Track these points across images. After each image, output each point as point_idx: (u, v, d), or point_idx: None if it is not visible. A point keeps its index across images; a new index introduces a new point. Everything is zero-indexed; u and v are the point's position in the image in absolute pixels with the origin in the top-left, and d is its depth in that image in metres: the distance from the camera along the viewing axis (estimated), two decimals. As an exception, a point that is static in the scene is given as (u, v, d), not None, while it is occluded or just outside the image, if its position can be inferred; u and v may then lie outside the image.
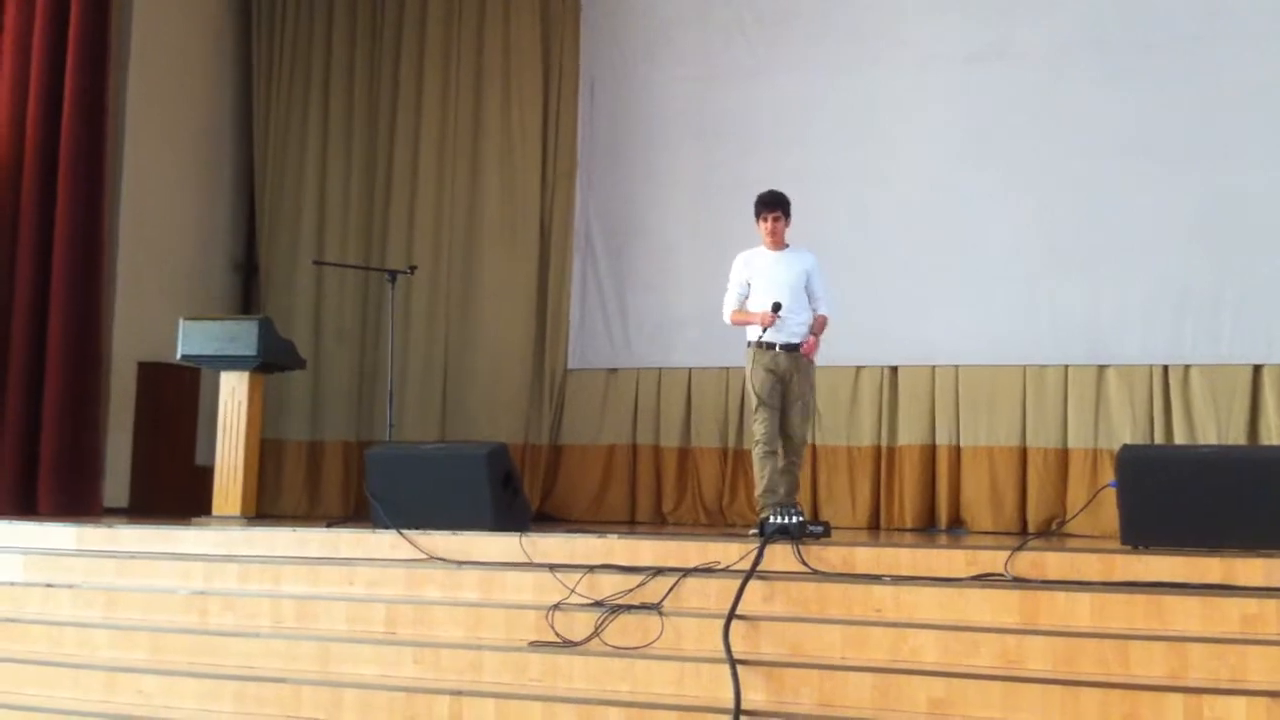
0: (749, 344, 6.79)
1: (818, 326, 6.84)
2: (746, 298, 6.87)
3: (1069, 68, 8.41)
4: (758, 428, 6.73)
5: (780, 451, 6.74)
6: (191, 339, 7.54)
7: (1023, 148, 8.41)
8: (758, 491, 6.73)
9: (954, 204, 8.43)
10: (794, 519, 5.69)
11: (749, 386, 6.84)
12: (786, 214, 6.89)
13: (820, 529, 5.88)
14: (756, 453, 6.73)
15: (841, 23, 8.99)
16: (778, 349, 6.73)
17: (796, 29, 9.10)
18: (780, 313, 6.64)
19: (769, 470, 6.67)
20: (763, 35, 9.18)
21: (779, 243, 6.91)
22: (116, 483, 9.00)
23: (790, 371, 6.75)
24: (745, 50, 9.21)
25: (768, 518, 6.32)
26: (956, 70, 8.63)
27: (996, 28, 8.62)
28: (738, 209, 8.93)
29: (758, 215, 6.90)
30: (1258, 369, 7.87)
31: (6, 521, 7.22)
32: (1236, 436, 7.79)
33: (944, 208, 8.45)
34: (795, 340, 6.75)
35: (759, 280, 6.83)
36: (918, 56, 8.74)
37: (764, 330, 6.65)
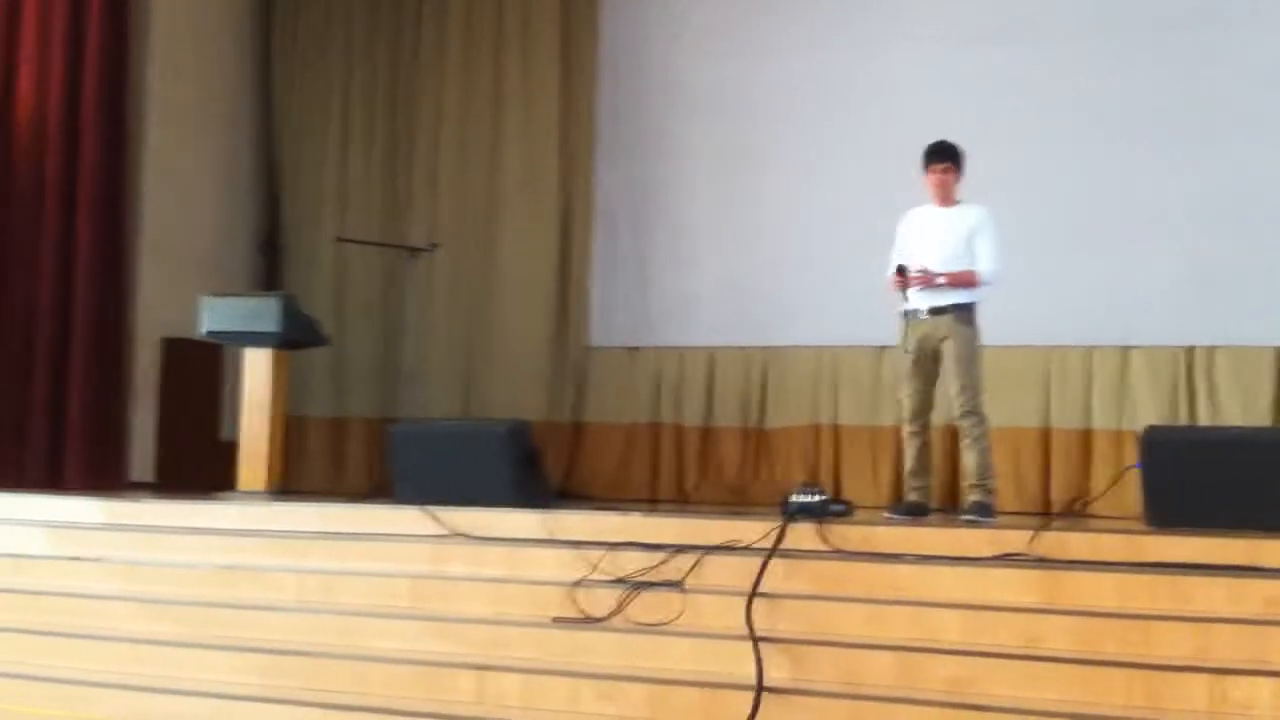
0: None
1: (957, 274, 6.34)
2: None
3: (1096, 45, 8.35)
4: (903, 405, 6.55)
5: (930, 431, 6.52)
6: (215, 315, 7.57)
7: (1043, 127, 8.36)
8: (906, 471, 6.59)
9: (976, 183, 8.37)
10: (816, 497, 5.71)
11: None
12: (958, 166, 6.46)
13: (842, 508, 5.89)
14: (904, 431, 6.57)
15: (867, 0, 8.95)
16: (923, 314, 6.41)
17: (820, 6, 9.07)
18: (912, 274, 6.27)
19: (914, 451, 6.50)
20: (786, 11, 9.13)
21: (946, 198, 6.50)
22: (142, 457, 9.06)
23: (938, 337, 6.39)
24: (768, 27, 9.17)
25: (913, 500, 6.40)
26: (981, 48, 8.57)
27: (1021, 5, 8.56)
28: (760, 186, 9.03)
29: (925, 167, 6.50)
30: (1283, 352, 7.85)
31: (32, 495, 7.26)
32: (1261, 418, 7.75)
33: (969, 187, 8.37)
34: (941, 303, 6.34)
35: (914, 239, 6.49)
36: (941, 34, 8.69)
37: (904, 296, 6.33)
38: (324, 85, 10.25)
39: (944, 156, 6.48)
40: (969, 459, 6.43)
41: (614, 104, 9.62)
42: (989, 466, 6.47)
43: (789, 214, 8.93)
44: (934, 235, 6.46)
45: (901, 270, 6.38)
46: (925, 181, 6.55)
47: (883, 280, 6.52)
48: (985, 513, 6.31)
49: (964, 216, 6.47)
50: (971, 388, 6.40)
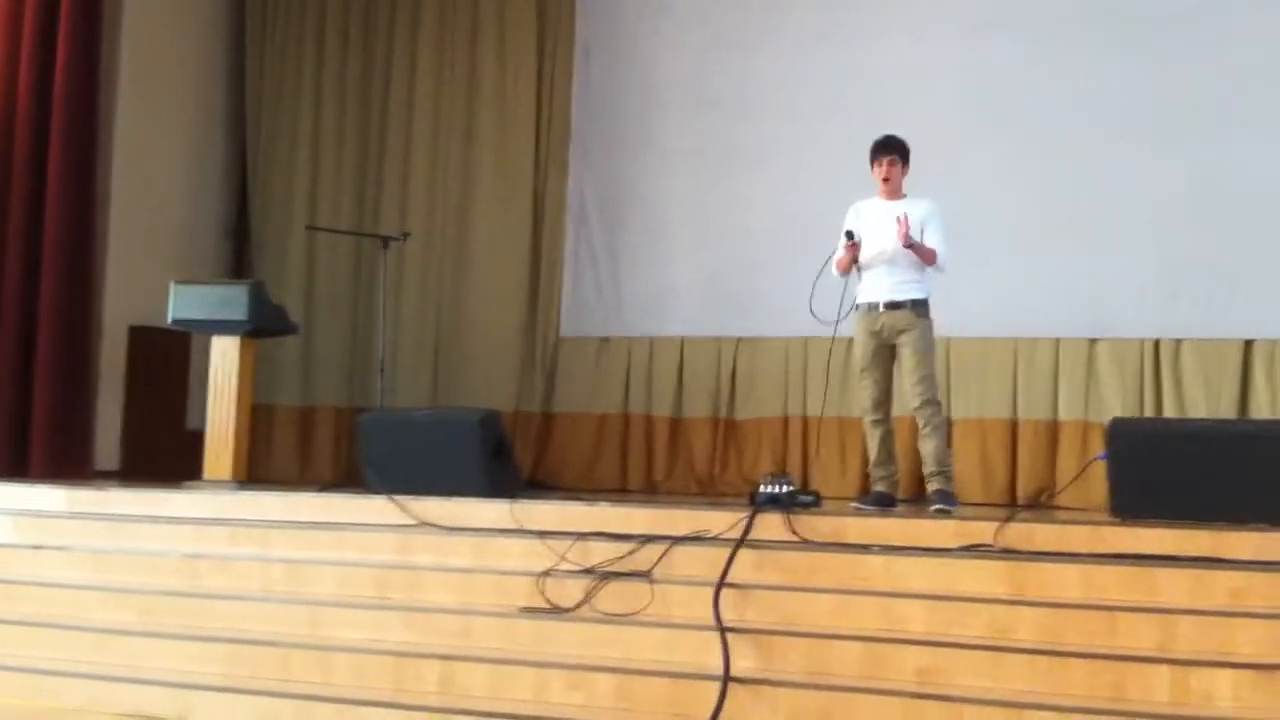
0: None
1: (922, 247, 6.40)
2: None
3: (1068, 41, 8.38)
4: (863, 396, 6.64)
5: (892, 420, 6.60)
6: (183, 303, 7.50)
7: (1014, 122, 8.39)
8: (871, 462, 6.68)
9: (949, 176, 8.38)
10: (784, 488, 5.72)
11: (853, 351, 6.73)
12: (904, 159, 6.60)
13: (810, 499, 5.90)
14: (865, 421, 6.66)
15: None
16: (881, 308, 6.53)
17: (799, 1, 9.06)
18: (857, 239, 6.42)
19: (877, 441, 6.58)
20: (765, 6, 9.12)
21: (893, 191, 6.61)
22: (108, 446, 8.98)
23: (895, 330, 6.50)
24: (744, 19, 9.15)
25: (881, 491, 6.46)
26: (955, 41, 8.59)
27: (994, 1, 8.59)
28: (735, 180, 9.02)
29: (871, 161, 6.62)
30: (1249, 344, 7.87)
31: (-3, 483, 7.21)
32: (1226, 410, 7.80)
33: (940, 180, 8.38)
34: (898, 297, 6.49)
35: (867, 232, 6.55)
36: (917, 26, 8.70)
37: (853, 263, 6.45)
38: (296, 74, 10.17)
39: (890, 149, 6.60)
40: (928, 447, 6.51)
41: (588, 96, 9.59)
42: (949, 454, 6.61)
43: (763, 207, 8.92)
44: (883, 227, 6.52)
45: (851, 235, 6.49)
46: (872, 174, 6.66)
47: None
48: (950, 500, 6.38)
49: (912, 209, 6.52)
50: (929, 378, 6.52)
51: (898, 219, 6.40)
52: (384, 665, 5.27)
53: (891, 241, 6.46)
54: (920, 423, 6.52)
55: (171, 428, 9.18)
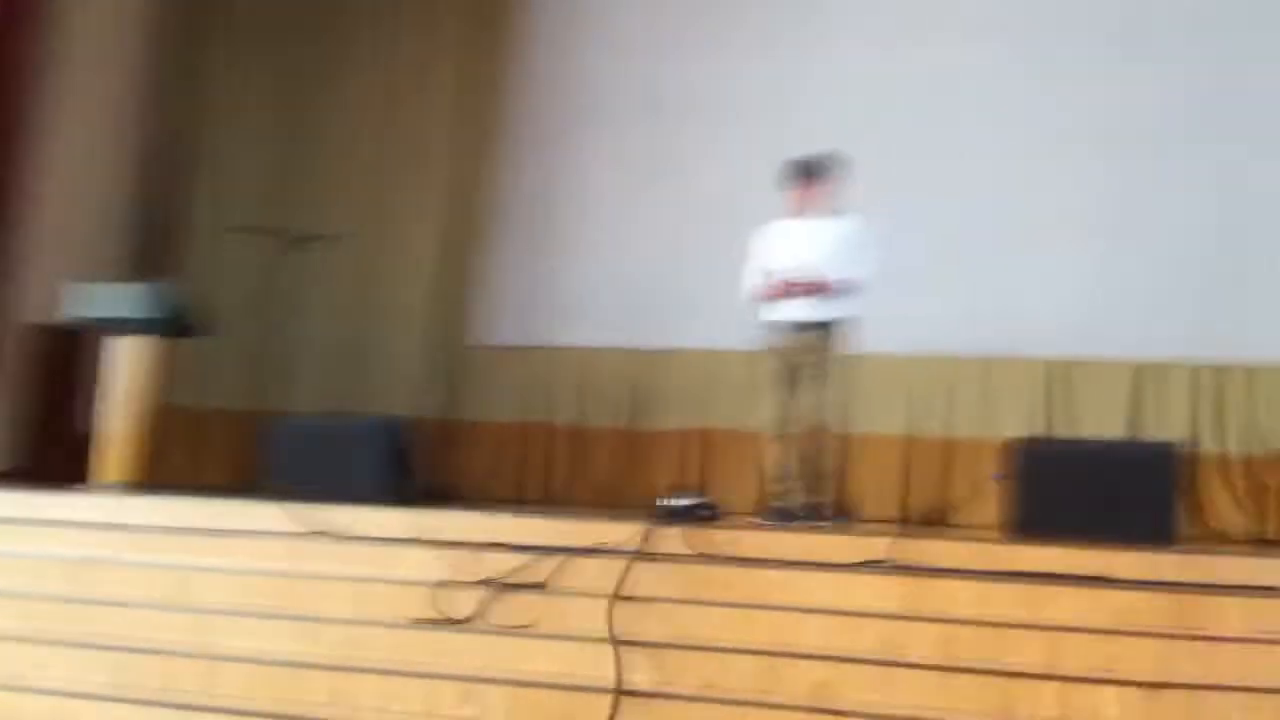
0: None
1: (844, 280, 6.44)
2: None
3: (996, 55, 8.51)
4: (767, 411, 6.67)
5: (793, 436, 6.63)
6: (79, 301, 7.34)
7: (931, 130, 8.48)
8: (771, 477, 6.72)
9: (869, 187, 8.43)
10: (686, 501, 5.72)
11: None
12: (822, 180, 6.58)
13: (709, 512, 5.90)
14: (768, 438, 6.70)
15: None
16: (791, 328, 6.56)
17: (736, 7, 9.10)
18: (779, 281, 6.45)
19: (777, 458, 6.63)
20: (690, 12, 9.14)
21: (809, 210, 6.63)
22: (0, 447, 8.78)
23: (801, 350, 6.56)
24: (673, 26, 9.18)
25: (779, 506, 6.50)
26: (889, 52, 8.69)
27: (932, 8, 8.71)
28: (657, 187, 9.01)
29: (789, 183, 6.64)
30: (1139, 365, 8.03)
31: (-123, 483, 7.00)
32: (1117, 431, 7.94)
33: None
34: (807, 318, 6.50)
35: (777, 251, 6.57)
36: (843, 35, 8.79)
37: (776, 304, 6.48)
38: (217, 72, 10.03)
39: (808, 171, 6.64)
40: (813, 466, 6.61)
41: (516, 101, 9.52)
42: (827, 477, 6.70)
43: (682, 217, 8.93)
44: (797, 247, 6.56)
45: (779, 277, 6.47)
46: (787, 196, 6.68)
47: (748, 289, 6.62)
48: (819, 515, 6.48)
49: (830, 227, 6.59)
50: (823, 403, 6.60)
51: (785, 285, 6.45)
52: (273, 675, 5.18)
53: (798, 269, 6.48)
54: (812, 442, 6.61)
55: (66, 429, 8.97)
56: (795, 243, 6.59)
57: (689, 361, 8.89)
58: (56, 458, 8.53)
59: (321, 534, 5.92)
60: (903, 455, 8.35)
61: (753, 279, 6.63)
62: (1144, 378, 8.01)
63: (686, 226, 8.92)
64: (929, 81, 8.56)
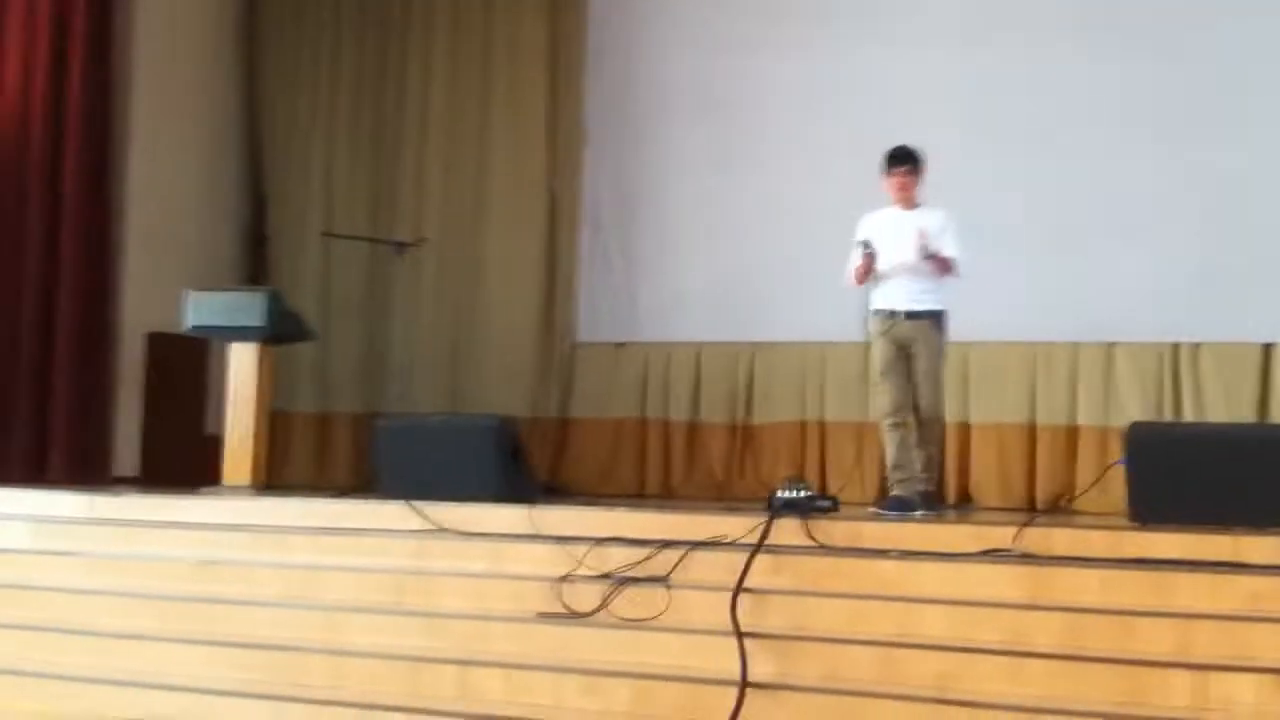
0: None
1: (942, 260, 6.47)
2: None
3: (1078, 44, 8.34)
4: (881, 400, 6.70)
5: (910, 424, 6.64)
6: (200, 310, 7.52)
7: (1028, 122, 8.34)
8: (888, 467, 6.73)
9: (961, 180, 8.36)
10: (801, 493, 5.71)
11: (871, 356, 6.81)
12: (918, 169, 6.60)
13: (828, 504, 5.88)
14: (882, 425, 6.71)
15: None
16: (898, 316, 6.60)
17: (808, 4, 9.05)
18: (873, 250, 6.46)
19: (895, 445, 6.64)
20: (775, 9, 9.11)
21: (908, 202, 6.66)
22: (126, 452, 9.03)
23: (912, 340, 6.60)
24: (757, 24, 9.12)
25: (899, 495, 6.48)
26: (966, 48, 8.53)
27: (1005, 5, 8.56)
28: (748, 183, 9.01)
29: (885, 171, 6.66)
30: (1268, 347, 7.84)
31: (15, 489, 7.22)
32: (1245, 414, 7.75)
33: (952, 184, 8.37)
34: (917, 307, 6.56)
35: (883, 243, 6.57)
36: (925, 33, 8.65)
37: (868, 273, 6.50)
38: (311, 80, 10.19)
39: (904, 160, 6.63)
40: (920, 456, 6.64)
41: (602, 101, 9.58)
42: (936, 466, 6.79)
43: (776, 210, 8.89)
44: (899, 238, 6.54)
45: (867, 245, 6.50)
46: (885, 185, 6.69)
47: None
48: (910, 506, 6.44)
49: (926, 219, 6.58)
50: (935, 392, 6.66)
51: (918, 231, 6.43)
52: (399, 670, 5.27)
53: (910, 253, 6.48)
54: (919, 431, 6.62)
55: (190, 434, 9.20)
56: (899, 232, 6.56)
57: (796, 354, 8.86)
58: (183, 462, 8.77)
59: (443, 531, 6.01)
60: (1024, 442, 8.23)
61: (857, 265, 6.61)
62: (1273, 360, 7.81)
63: (777, 221, 8.87)
64: (1004, 78, 8.43)
